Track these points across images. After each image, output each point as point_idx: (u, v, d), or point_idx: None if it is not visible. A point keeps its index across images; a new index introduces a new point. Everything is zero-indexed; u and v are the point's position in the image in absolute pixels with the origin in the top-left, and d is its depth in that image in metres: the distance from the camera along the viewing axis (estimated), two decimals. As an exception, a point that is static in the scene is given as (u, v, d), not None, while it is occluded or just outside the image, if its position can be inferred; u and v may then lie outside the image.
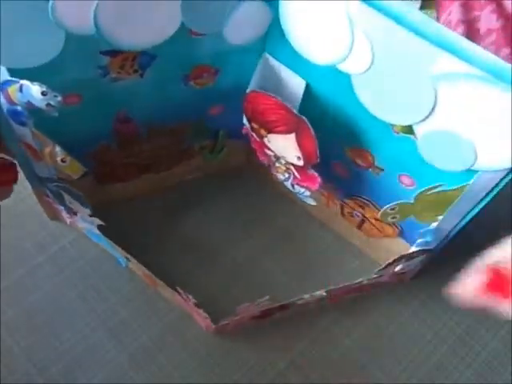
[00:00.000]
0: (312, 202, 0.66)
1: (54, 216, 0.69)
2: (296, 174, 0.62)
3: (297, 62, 0.56)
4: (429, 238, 0.60)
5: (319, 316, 0.64)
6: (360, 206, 0.68)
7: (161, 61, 0.56)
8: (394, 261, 0.61)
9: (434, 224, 0.58)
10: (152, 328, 0.57)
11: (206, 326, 0.64)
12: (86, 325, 0.59)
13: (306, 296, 0.62)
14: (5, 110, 0.52)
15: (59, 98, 0.48)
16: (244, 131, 0.65)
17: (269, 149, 0.63)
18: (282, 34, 0.54)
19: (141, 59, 0.55)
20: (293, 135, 0.57)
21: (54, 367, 0.55)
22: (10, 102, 0.50)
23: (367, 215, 0.68)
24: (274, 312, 0.65)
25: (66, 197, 0.59)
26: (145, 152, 0.68)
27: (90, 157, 0.64)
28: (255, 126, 0.61)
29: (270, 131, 0.59)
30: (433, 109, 0.47)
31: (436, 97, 0.46)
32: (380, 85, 0.49)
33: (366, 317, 0.65)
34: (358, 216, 0.69)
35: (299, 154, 0.59)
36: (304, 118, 0.54)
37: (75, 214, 0.62)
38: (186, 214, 0.70)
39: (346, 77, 0.51)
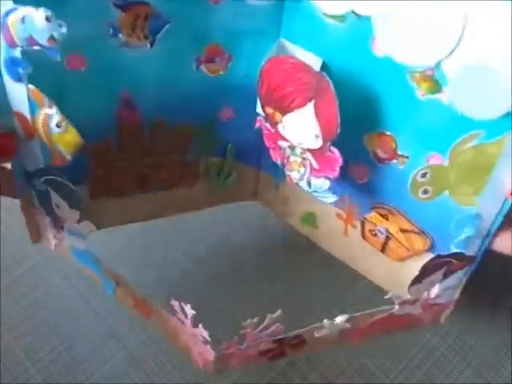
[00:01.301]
0: (332, 198, 0.59)
1: (38, 239, 0.62)
2: (313, 161, 0.56)
3: (313, 41, 0.54)
4: (469, 231, 0.51)
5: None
6: (384, 217, 0.61)
7: (173, 28, 0.54)
8: (430, 265, 0.51)
9: (473, 210, 0.51)
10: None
11: (204, 362, 0.53)
12: (86, 323, 0.59)
13: (326, 323, 0.52)
14: (1, 63, 0.49)
15: (63, 29, 0.45)
16: (257, 123, 0.60)
17: (283, 138, 0.58)
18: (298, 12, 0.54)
19: (153, 22, 0.53)
20: (311, 105, 0.53)
21: (53, 366, 0.55)
22: (10, 41, 0.48)
23: (392, 229, 0.61)
24: (285, 349, 0.54)
25: (54, 197, 0.52)
26: (145, 156, 0.63)
27: (87, 153, 0.60)
28: (269, 110, 0.57)
29: (285, 111, 0.55)
30: (460, 39, 0.44)
31: (464, 22, 0.43)
32: (403, 23, 0.46)
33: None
34: (382, 233, 0.62)
35: (317, 131, 0.54)
36: (324, 73, 0.50)
37: (62, 227, 0.55)
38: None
39: (365, 44, 0.50)
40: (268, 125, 0.59)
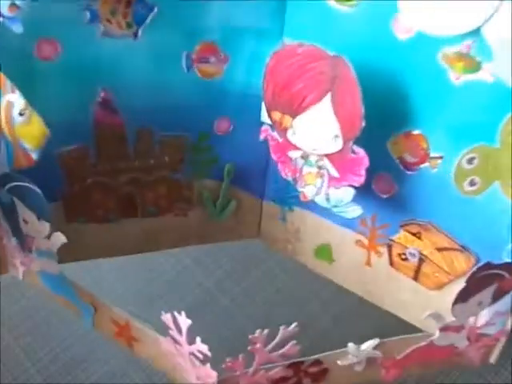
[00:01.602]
0: (356, 211, 0.50)
1: (5, 269, 0.52)
2: (332, 169, 0.48)
3: (322, 33, 0.48)
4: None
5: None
6: (415, 236, 0.52)
7: (161, 18, 0.47)
8: (477, 275, 0.42)
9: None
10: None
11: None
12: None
13: (351, 348, 0.43)
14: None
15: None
16: (262, 135, 0.52)
17: (294, 147, 0.50)
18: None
19: (137, 7, 0.46)
20: (327, 99, 0.45)
21: (53, 366, 0.54)
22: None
23: (426, 250, 0.52)
24: (303, 379, 0.44)
25: (21, 209, 0.43)
26: (128, 170, 0.55)
27: (60, 163, 0.51)
28: (277, 116, 0.49)
29: (296, 112, 0.47)
30: None
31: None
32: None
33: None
34: (414, 255, 0.53)
35: (337, 130, 0.46)
36: (342, 56, 0.43)
37: (30, 250, 0.45)
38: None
39: (385, 28, 0.44)
40: (275, 134, 0.51)
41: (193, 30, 0.50)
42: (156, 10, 0.47)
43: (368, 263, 0.57)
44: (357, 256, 0.58)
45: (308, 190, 0.51)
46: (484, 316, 0.46)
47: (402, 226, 0.52)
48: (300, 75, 0.46)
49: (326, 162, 0.48)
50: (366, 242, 0.56)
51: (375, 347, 0.44)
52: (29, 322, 0.58)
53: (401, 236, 0.53)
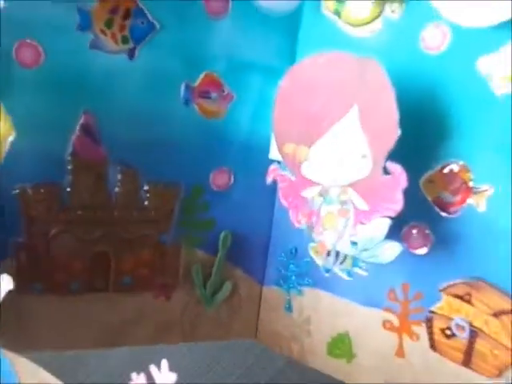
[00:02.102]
0: (394, 249, 0.39)
1: None
2: (360, 201, 0.39)
3: None
4: None
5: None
6: (464, 300, 0.41)
7: (161, 40, 0.42)
8: None
9: None
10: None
11: None
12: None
13: None
14: None
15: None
16: (271, 176, 0.44)
17: (311, 183, 0.41)
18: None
19: (135, 22, 0.41)
20: (354, 112, 0.38)
21: (52, 366, 0.46)
22: None
23: (479, 320, 0.41)
24: None
25: None
26: (105, 221, 0.45)
27: (20, 202, 0.42)
28: (289, 148, 0.42)
29: (314, 137, 0.40)
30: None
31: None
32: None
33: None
34: (463, 329, 0.41)
35: (365, 148, 0.38)
36: (370, 57, 0.38)
37: None
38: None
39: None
40: (286, 173, 0.43)
41: (197, 57, 0.45)
42: (158, 27, 0.42)
43: (400, 353, 0.45)
44: (384, 345, 0.45)
45: (327, 237, 0.41)
46: None
47: (443, 290, 0.42)
48: (321, 89, 0.40)
49: (350, 194, 0.40)
50: (396, 321, 0.44)
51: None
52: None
53: (443, 304, 0.42)
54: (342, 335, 0.48)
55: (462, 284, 0.41)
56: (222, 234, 0.49)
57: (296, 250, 0.49)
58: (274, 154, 0.44)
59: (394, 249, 0.39)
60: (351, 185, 0.39)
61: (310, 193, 0.42)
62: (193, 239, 0.49)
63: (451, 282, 0.41)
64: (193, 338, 0.52)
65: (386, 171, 0.38)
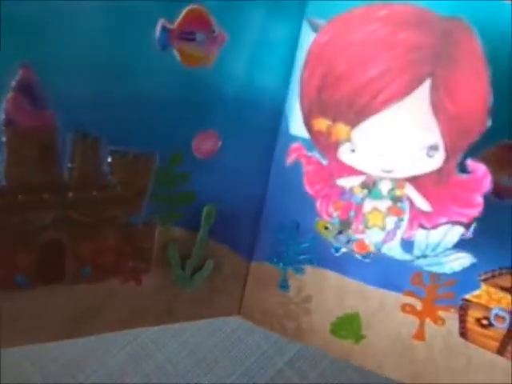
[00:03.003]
0: (463, 261, 0.33)
1: None
2: (421, 201, 0.31)
3: None
4: None
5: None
6: (509, 292, 0.37)
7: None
8: None
9: None
10: (151, 327, 0.50)
11: None
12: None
13: None
14: None
15: None
16: (293, 155, 0.34)
17: (351, 171, 0.33)
18: None
19: None
20: (424, 89, 0.29)
21: (52, 366, 0.51)
22: None
23: (521, 310, 0.37)
24: None
25: None
26: (56, 203, 0.34)
27: None
28: (323, 123, 0.32)
29: (361, 116, 0.31)
30: None
31: None
32: None
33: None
34: (504, 319, 0.37)
35: (436, 137, 0.30)
36: (460, 16, 0.28)
37: None
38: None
39: None
40: (315, 154, 0.33)
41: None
42: None
43: (419, 336, 0.41)
44: (402, 328, 0.41)
45: (371, 236, 0.33)
46: None
47: (484, 281, 0.37)
48: (378, 51, 0.29)
49: (408, 190, 0.31)
50: (419, 305, 0.40)
51: None
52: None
53: (481, 293, 0.37)
54: (351, 316, 0.42)
55: (509, 275, 0.36)
56: (206, 209, 0.39)
57: (298, 225, 0.41)
58: (297, 128, 0.34)
59: (463, 260, 0.32)
60: (410, 179, 0.31)
61: (348, 182, 0.33)
62: (169, 216, 0.39)
63: (496, 272, 0.36)
64: (169, 320, 0.44)
65: (462, 168, 0.30)
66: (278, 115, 0.36)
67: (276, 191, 0.40)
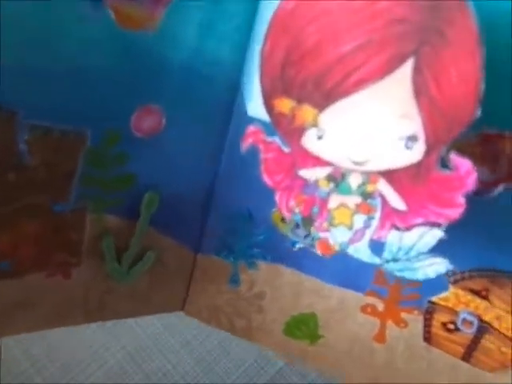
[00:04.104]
0: (438, 267, 0.29)
1: None
2: (394, 198, 0.27)
3: None
4: None
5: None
6: (479, 296, 0.34)
7: None
8: None
9: None
10: (151, 327, 0.53)
11: None
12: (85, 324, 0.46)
13: None
14: None
15: None
16: (248, 140, 0.29)
17: (316, 161, 0.28)
18: None
19: None
20: (408, 66, 0.25)
21: (52, 366, 0.52)
22: None
23: (490, 315, 0.34)
24: None
25: None
26: None
27: None
28: (286, 105, 0.27)
29: (331, 97, 0.26)
30: None
31: None
32: None
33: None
34: (471, 324, 0.34)
35: (416, 127, 0.25)
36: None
37: None
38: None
39: None
40: (276, 140, 0.29)
41: None
42: None
43: (379, 338, 0.37)
44: (361, 329, 0.38)
45: (336, 236, 0.29)
46: None
47: (454, 283, 0.34)
48: (352, 26, 0.25)
49: (381, 186, 0.27)
50: (380, 306, 0.36)
51: None
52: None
53: (449, 296, 0.34)
54: (307, 316, 0.39)
55: (480, 278, 0.33)
56: (147, 196, 0.34)
57: (250, 215, 0.37)
58: (256, 109, 0.29)
59: (438, 266, 0.29)
60: (384, 173, 0.27)
61: (313, 174, 0.28)
62: (104, 202, 0.34)
63: (466, 274, 0.33)
64: (101, 316, 0.39)
65: (444, 164, 0.26)
66: (233, 92, 0.31)
67: (228, 178, 0.36)
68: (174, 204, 0.36)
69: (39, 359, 0.55)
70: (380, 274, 0.35)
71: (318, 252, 0.30)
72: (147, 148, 0.33)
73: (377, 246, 0.29)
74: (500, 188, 0.31)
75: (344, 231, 0.29)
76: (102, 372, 0.54)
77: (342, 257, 0.35)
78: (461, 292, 0.34)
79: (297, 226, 0.35)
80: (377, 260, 0.29)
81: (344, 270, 0.36)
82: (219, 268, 0.39)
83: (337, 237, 0.29)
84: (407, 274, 0.29)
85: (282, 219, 0.36)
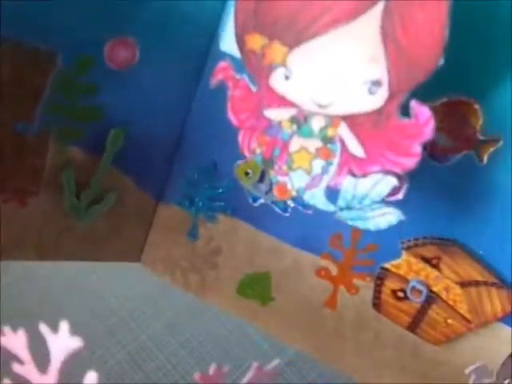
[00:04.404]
0: (389, 218, 0.29)
1: None
2: (354, 144, 0.28)
3: None
4: None
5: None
6: (430, 265, 0.34)
7: None
8: None
9: None
10: (151, 327, 0.52)
11: None
12: (85, 324, 0.51)
13: None
14: None
15: None
16: (218, 75, 0.30)
17: (281, 102, 0.28)
18: None
19: None
20: (377, 9, 0.25)
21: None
22: None
23: (439, 286, 0.34)
24: None
25: None
26: None
27: None
28: (257, 41, 0.27)
29: (302, 36, 0.26)
30: None
31: None
32: None
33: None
34: (420, 293, 0.35)
35: (381, 71, 0.26)
36: None
37: None
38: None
39: None
40: (245, 77, 0.29)
41: None
42: None
43: (330, 304, 0.38)
44: (313, 293, 0.38)
45: (294, 180, 0.29)
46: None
47: (406, 249, 0.34)
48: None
49: (342, 131, 0.28)
50: (334, 270, 0.37)
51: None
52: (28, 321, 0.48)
53: (401, 263, 0.35)
54: (260, 275, 0.39)
55: (432, 246, 0.34)
56: (113, 131, 0.34)
57: (214, 165, 0.37)
58: (228, 44, 0.29)
59: (390, 217, 0.29)
60: (346, 118, 0.28)
61: (277, 115, 0.29)
62: (69, 132, 0.34)
63: (419, 241, 0.34)
64: (55, 256, 0.39)
65: (405, 111, 0.27)
66: (208, 27, 0.31)
67: (197, 121, 0.36)
68: (141, 145, 0.36)
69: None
70: (336, 237, 0.36)
71: (276, 195, 0.30)
72: (119, 81, 0.33)
73: (332, 194, 0.29)
74: (459, 156, 0.32)
75: (302, 176, 0.29)
76: (103, 372, 0.52)
77: (300, 215, 0.35)
78: (413, 259, 0.34)
79: (260, 180, 0.36)
80: (331, 207, 0.29)
81: (301, 230, 0.36)
82: (179, 219, 0.39)
83: (295, 181, 0.29)
84: (360, 224, 0.29)
85: (246, 173, 0.36)
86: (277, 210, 0.36)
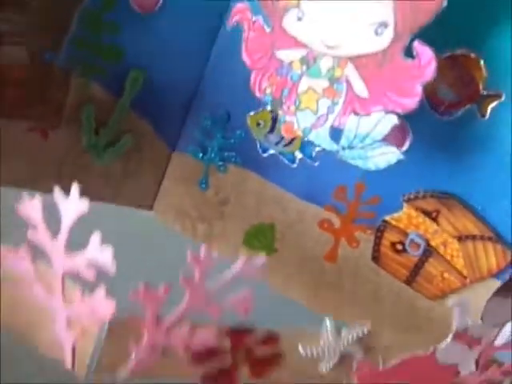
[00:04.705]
0: (390, 157, 0.31)
1: None
2: (359, 84, 0.29)
3: None
4: None
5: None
6: (429, 218, 0.35)
7: None
8: None
9: None
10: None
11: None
12: None
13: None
14: None
15: None
16: (235, 17, 0.31)
17: (294, 42, 0.30)
18: None
19: None
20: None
21: (52, 366, 0.42)
22: None
23: (437, 240, 0.35)
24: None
25: None
26: None
27: None
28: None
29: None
30: None
31: None
32: None
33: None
34: (418, 246, 0.36)
35: (389, 14, 0.27)
36: None
37: None
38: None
39: None
40: (259, 19, 0.31)
41: None
42: None
43: (331, 257, 0.39)
44: (315, 246, 0.39)
45: (300, 120, 0.31)
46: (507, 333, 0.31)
47: (407, 201, 0.35)
48: None
49: (349, 71, 0.29)
50: (337, 223, 0.38)
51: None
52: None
53: (402, 216, 0.36)
54: (265, 226, 0.40)
55: (432, 198, 0.35)
56: (132, 73, 0.36)
57: (228, 116, 0.38)
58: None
59: (390, 156, 0.30)
60: (353, 59, 0.29)
61: (288, 55, 0.30)
62: (91, 67, 0.36)
63: (420, 194, 0.35)
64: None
65: (408, 52, 0.28)
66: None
67: (213, 72, 0.38)
68: (160, 90, 0.38)
69: (39, 359, 0.57)
70: (341, 189, 0.37)
71: (283, 133, 0.32)
72: (141, 24, 0.35)
73: (336, 133, 0.30)
74: (461, 110, 0.33)
75: (309, 115, 0.30)
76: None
77: (307, 167, 0.37)
78: (413, 213, 0.35)
79: (270, 131, 0.37)
80: (334, 146, 0.31)
81: (307, 181, 0.38)
82: (191, 168, 0.41)
83: (301, 121, 0.31)
84: (360, 163, 0.31)
85: (257, 124, 0.37)
86: (285, 160, 0.37)
